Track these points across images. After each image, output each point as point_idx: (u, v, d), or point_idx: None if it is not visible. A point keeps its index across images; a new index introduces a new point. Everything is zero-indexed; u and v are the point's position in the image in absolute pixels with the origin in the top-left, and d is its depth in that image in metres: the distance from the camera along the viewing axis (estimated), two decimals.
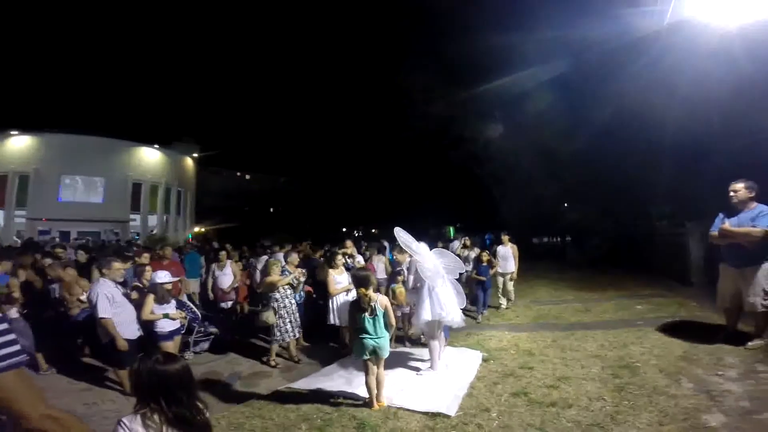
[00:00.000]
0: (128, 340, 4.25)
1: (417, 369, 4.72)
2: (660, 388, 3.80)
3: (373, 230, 31.73)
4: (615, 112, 14.71)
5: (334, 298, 5.81)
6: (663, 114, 12.26)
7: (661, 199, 13.34)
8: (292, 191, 45.12)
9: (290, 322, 5.44)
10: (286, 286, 5.59)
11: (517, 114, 19.86)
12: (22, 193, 24.79)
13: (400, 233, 4.85)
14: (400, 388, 4.13)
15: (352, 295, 5.99)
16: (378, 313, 3.72)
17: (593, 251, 15.18)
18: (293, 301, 5.60)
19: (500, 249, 8.02)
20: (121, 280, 4.79)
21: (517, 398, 3.76)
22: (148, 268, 5.34)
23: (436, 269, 4.67)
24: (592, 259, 14.20)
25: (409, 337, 5.98)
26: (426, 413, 3.56)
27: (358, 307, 3.78)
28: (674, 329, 5.58)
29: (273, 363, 5.37)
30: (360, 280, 3.88)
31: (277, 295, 5.45)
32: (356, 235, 31.58)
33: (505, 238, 8.08)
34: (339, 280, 5.90)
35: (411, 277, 5.06)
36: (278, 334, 5.36)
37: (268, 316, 5.31)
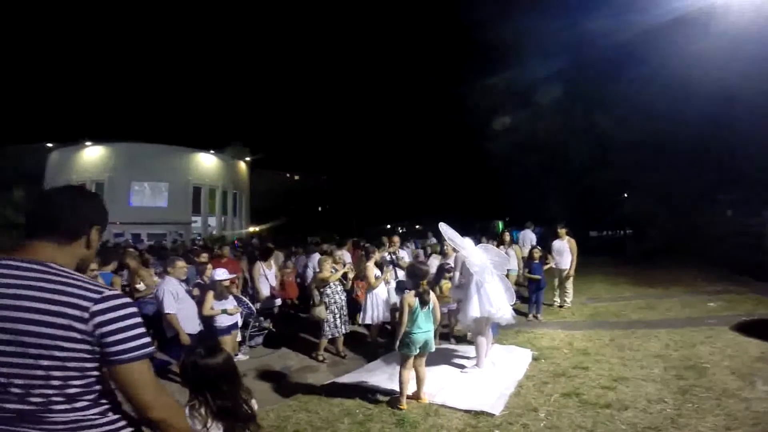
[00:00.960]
0: (190, 335, 4.58)
1: (461, 366, 4.66)
2: (730, 390, 3.51)
3: (417, 226, 31.53)
4: (673, 94, 13.60)
5: (373, 295, 5.85)
6: (728, 94, 11.20)
7: (730, 186, 12.15)
8: (337, 189, 46.08)
9: (339, 317, 5.55)
10: (337, 282, 5.71)
11: (566, 102, 18.91)
12: None
13: (444, 228, 4.80)
14: (442, 386, 4.08)
15: (390, 289, 6.04)
16: (429, 308, 3.79)
17: (655, 244, 14.12)
18: (343, 297, 5.71)
19: (556, 243, 7.53)
20: (185, 278, 5.14)
21: (568, 399, 3.61)
22: (208, 266, 5.69)
23: (483, 264, 4.58)
24: (652, 253, 13.19)
25: (455, 334, 5.91)
26: (469, 411, 3.51)
27: (421, 300, 3.82)
28: (751, 328, 5.10)
29: (321, 358, 5.52)
30: (416, 272, 3.96)
31: (328, 291, 5.58)
32: (401, 231, 31.60)
33: (561, 231, 7.55)
34: (378, 273, 5.99)
35: (457, 273, 5.00)
36: (327, 329, 5.50)
37: (321, 311, 5.45)
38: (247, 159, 34.78)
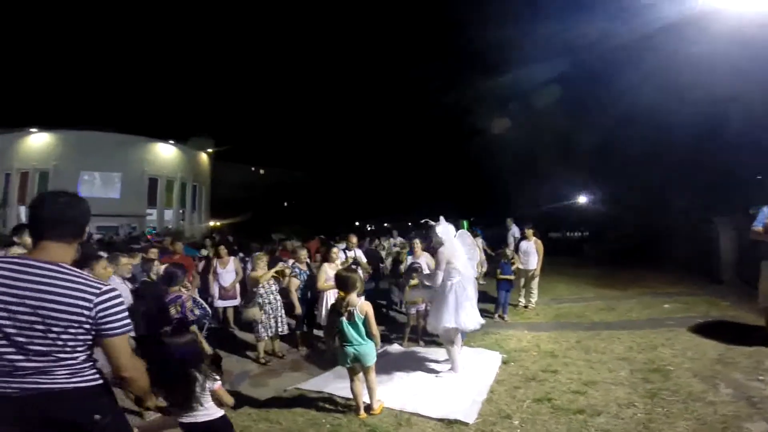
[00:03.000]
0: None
1: (432, 371, 4.49)
2: (696, 393, 3.55)
3: (386, 224, 31.46)
4: (635, 102, 14.20)
5: (325, 294, 5.59)
6: (688, 104, 11.77)
7: (685, 192, 12.79)
8: (305, 184, 45.19)
9: (274, 318, 5.32)
10: (271, 282, 5.45)
11: (531, 105, 19.39)
12: (42, 190, 25.34)
13: (443, 224, 4.53)
14: (414, 392, 3.90)
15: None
16: (357, 319, 3.42)
17: (612, 246, 14.69)
18: (278, 297, 5.46)
19: (523, 244, 7.60)
20: (129, 275, 4.69)
21: (541, 404, 3.53)
22: (155, 262, 5.26)
23: (466, 270, 4.36)
24: (611, 255, 13.72)
25: (423, 337, 5.73)
26: (442, 420, 3.35)
27: (336, 311, 3.55)
28: (707, 330, 5.27)
29: (262, 360, 5.29)
30: (341, 280, 3.55)
31: (262, 291, 5.32)
32: (369, 228, 31.40)
33: (529, 232, 7.63)
34: (330, 275, 5.67)
35: (440, 273, 4.42)
36: (262, 330, 5.26)
37: (254, 312, 5.19)
38: (209, 150, 33.38)
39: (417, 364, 4.70)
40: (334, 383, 4.22)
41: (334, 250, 6.00)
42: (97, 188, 26.79)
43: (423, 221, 4.72)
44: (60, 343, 1.60)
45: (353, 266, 5.54)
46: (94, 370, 1.72)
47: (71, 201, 1.73)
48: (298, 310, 5.65)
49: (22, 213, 25.02)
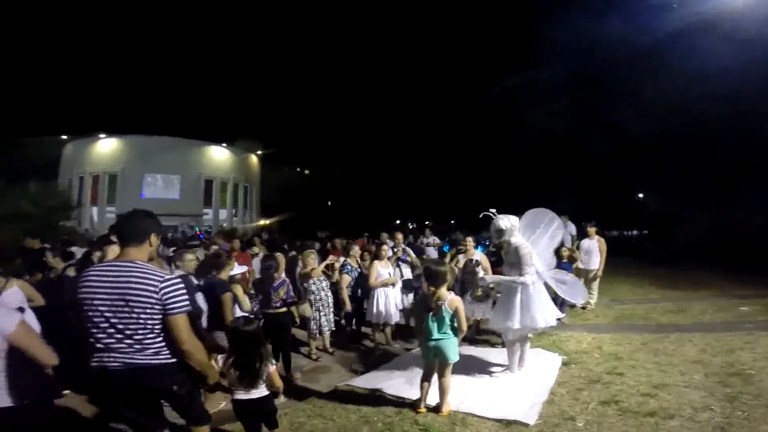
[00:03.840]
0: None
1: (486, 372, 4.32)
2: None
3: (427, 222, 31.14)
4: (693, 91, 13.11)
5: (375, 292, 5.57)
6: (748, 92, 10.76)
7: (755, 185, 11.66)
8: (346, 184, 45.88)
9: (324, 315, 5.35)
10: (321, 277, 5.49)
11: (582, 97, 18.44)
12: (111, 191, 27.58)
13: (534, 213, 4.26)
14: (467, 393, 3.77)
15: (395, 290, 5.72)
16: (444, 314, 3.36)
17: (675, 244, 13.67)
18: (329, 294, 5.49)
19: (585, 242, 7.22)
20: (193, 271, 4.94)
21: (607, 407, 3.35)
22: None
23: (541, 271, 4.08)
24: (675, 253, 12.77)
25: (474, 335, 5.53)
26: (499, 421, 3.24)
27: (423, 305, 3.51)
28: None
29: (315, 356, 5.32)
30: (431, 274, 3.47)
31: (313, 287, 5.36)
32: (411, 227, 31.30)
33: (591, 230, 7.23)
34: (382, 272, 5.66)
35: (530, 277, 4.00)
36: (314, 326, 5.31)
37: (305, 309, 5.24)
38: (258, 153, 34.76)
39: (470, 363, 4.51)
40: (385, 381, 4.21)
41: (384, 247, 5.99)
42: (159, 189, 28.70)
43: (487, 212, 4.27)
44: (141, 321, 2.13)
45: (474, 263, 5.42)
46: (171, 352, 2.21)
47: (140, 217, 2.35)
48: (348, 306, 5.71)
49: (95, 213, 27.36)
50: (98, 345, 2.16)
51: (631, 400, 3.43)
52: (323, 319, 5.35)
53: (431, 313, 3.38)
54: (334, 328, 5.60)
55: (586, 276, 7.09)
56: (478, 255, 5.85)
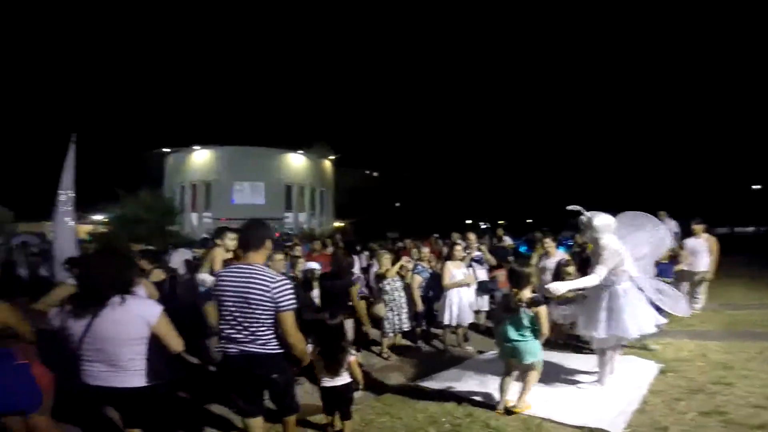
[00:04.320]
0: None
1: (571, 381, 4.00)
2: None
3: (500, 221, 29.86)
4: None
5: (449, 293, 5.44)
6: None
7: None
8: (414, 185, 45.94)
9: (398, 315, 5.35)
10: (396, 278, 5.50)
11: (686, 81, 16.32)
12: (207, 198, 30.70)
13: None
14: (545, 398, 3.55)
15: (468, 291, 5.55)
16: (523, 316, 3.25)
17: None
18: (402, 294, 5.48)
19: (690, 242, 6.36)
20: (283, 270, 5.32)
21: (709, 417, 2.98)
22: (300, 259, 5.93)
23: (632, 269, 3.64)
24: None
25: (557, 340, 5.06)
26: (581, 428, 3.01)
27: (504, 306, 3.45)
28: None
29: (386, 355, 5.35)
30: (514, 276, 3.43)
31: (387, 287, 5.38)
32: (483, 227, 30.29)
33: (698, 228, 6.42)
34: (455, 273, 5.52)
35: (601, 273, 3.56)
36: (388, 326, 5.33)
37: (380, 309, 5.30)
38: (331, 158, 36.27)
39: (554, 369, 4.15)
40: (454, 382, 4.16)
41: (458, 248, 5.83)
42: (246, 196, 31.26)
43: (573, 207, 3.87)
44: (256, 316, 2.47)
45: (565, 263, 5.11)
46: (278, 343, 2.54)
47: (258, 226, 2.72)
48: (420, 307, 5.70)
49: (194, 218, 30.58)
50: (223, 334, 2.57)
51: (739, 411, 3.03)
52: (396, 318, 5.39)
53: (510, 315, 3.32)
54: (407, 329, 5.61)
55: (691, 279, 6.28)
56: (560, 254, 5.51)
